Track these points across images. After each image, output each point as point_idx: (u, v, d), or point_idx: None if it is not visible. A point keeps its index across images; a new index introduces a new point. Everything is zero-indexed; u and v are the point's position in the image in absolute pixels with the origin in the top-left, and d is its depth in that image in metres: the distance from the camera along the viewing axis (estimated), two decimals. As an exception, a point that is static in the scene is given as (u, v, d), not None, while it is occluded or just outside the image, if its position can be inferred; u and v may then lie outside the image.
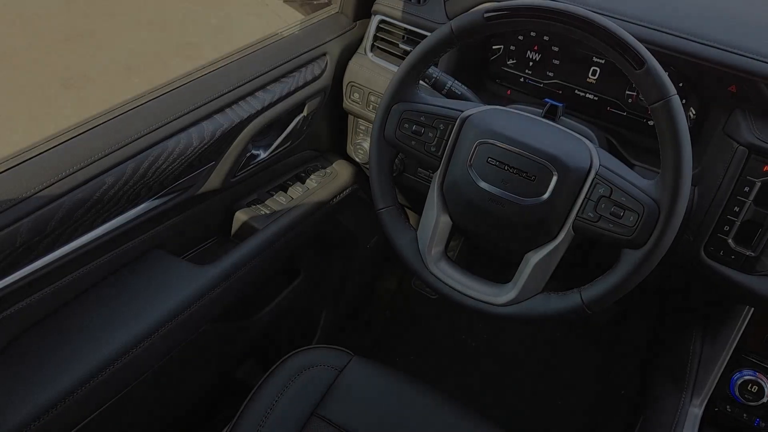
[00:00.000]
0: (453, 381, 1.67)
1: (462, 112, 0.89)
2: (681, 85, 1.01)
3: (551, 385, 1.66)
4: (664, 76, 0.75)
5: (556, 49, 1.09)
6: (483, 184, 0.86)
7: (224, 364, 1.26)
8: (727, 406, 1.03)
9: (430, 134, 0.90)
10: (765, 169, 0.88)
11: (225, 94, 1.00)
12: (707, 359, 1.07)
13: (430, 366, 1.71)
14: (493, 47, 1.15)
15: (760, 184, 0.88)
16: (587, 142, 0.85)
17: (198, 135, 0.96)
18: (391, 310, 1.81)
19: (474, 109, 0.90)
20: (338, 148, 1.36)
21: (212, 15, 4.08)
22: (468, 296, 0.90)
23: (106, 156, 0.86)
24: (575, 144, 0.85)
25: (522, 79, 1.15)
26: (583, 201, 0.81)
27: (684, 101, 1.02)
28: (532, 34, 1.11)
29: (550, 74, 1.12)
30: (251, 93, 1.05)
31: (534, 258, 0.85)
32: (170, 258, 1.01)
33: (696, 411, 1.04)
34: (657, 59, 0.76)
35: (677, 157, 0.75)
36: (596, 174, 0.81)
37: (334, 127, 1.32)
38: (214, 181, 1.05)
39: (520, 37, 1.12)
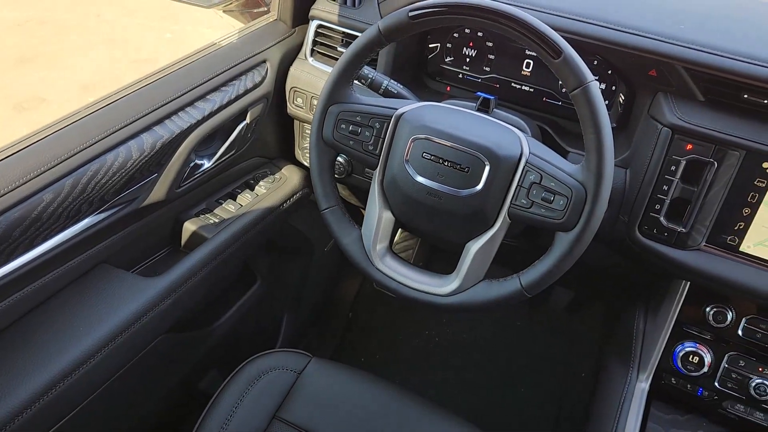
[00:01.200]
0: (419, 377, 1.69)
1: (396, 109, 0.91)
2: (609, 72, 1.05)
3: (515, 375, 1.69)
4: (581, 63, 0.78)
5: (490, 44, 1.12)
6: (420, 179, 0.88)
7: (185, 374, 1.25)
8: (672, 379, 1.07)
9: (367, 133, 0.92)
10: (688, 147, 0.92)
11: (163, 105, 1.01)
12: (650, 334, 1.10)
13: (396, 364, 1.72)
14: (430, 45, 1.18)
15: (684, 162, 0.92)
16: (518, 131, 0.88)
17: (138, 147, 0.96)
18: (353, 311, 1.83)
19: (408, 106, 0.92)
20: (287, 154, 1.37)
21: (167, 30, 4.05)
22: (414, 289, 0.92)
23: (43, 173, 0.85)
24: (506, 134, 0.87)
25: (460, 76, 1.18)
26: (516, 189, 0.84)
27: (613, 88, 1.06)
28: (467, 30, 1.14)
29: (487, 69, 1.15)
30: (191, 103, 1.05)
31: (474, 247, 0.88)
32: (117, 271, 1.00)
33: (643, 385, 1.07)
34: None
35: (598, 140, 0.78)
36: (526, 162, 0.83)
37: (281, 133, 1.33)
38: (159, 192, 1.04)
39: (456, 35, 1.15)
